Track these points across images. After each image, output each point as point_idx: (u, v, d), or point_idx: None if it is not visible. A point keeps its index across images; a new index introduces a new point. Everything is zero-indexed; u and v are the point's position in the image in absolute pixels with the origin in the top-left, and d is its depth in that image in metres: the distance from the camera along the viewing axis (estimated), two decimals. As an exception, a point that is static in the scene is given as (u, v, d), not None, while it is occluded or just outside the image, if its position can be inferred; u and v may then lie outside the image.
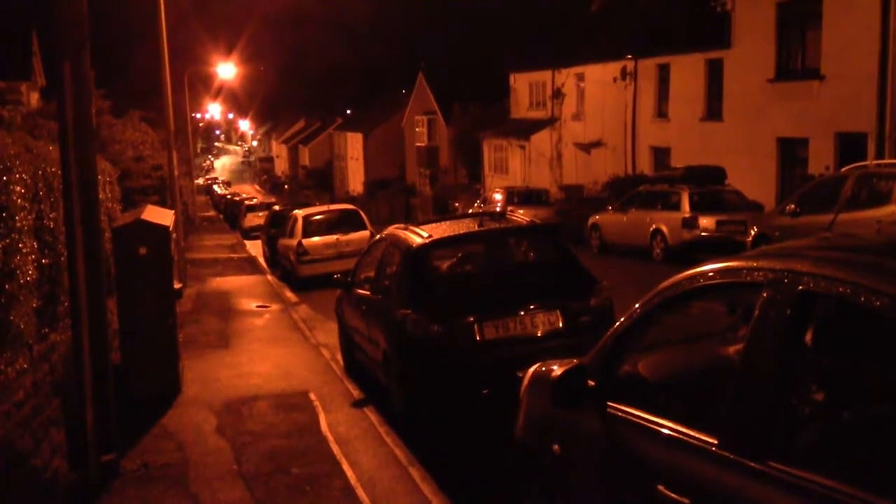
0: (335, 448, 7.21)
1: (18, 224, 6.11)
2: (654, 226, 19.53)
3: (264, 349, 11.92)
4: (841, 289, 2.69)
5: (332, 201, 46.19)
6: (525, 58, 38.39)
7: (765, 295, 3.01)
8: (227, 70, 46.71)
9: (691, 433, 3.22)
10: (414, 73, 52.21)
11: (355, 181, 63.69)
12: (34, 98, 35.08)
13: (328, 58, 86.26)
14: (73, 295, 6.40)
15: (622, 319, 4.00)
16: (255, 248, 30.77)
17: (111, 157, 17.62)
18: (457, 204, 37.27)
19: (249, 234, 37.54)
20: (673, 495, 3.20)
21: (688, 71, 26.75)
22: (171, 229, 9.23)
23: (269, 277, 21.69)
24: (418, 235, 8.20)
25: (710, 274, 3.46)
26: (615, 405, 3.81)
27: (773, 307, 2.95)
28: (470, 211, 29.27)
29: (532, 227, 8.63)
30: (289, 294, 18.37)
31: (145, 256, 8.77)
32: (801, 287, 2.86)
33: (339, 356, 10.87)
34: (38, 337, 6.79)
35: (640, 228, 20.05)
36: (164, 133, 20.16)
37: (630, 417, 3.67)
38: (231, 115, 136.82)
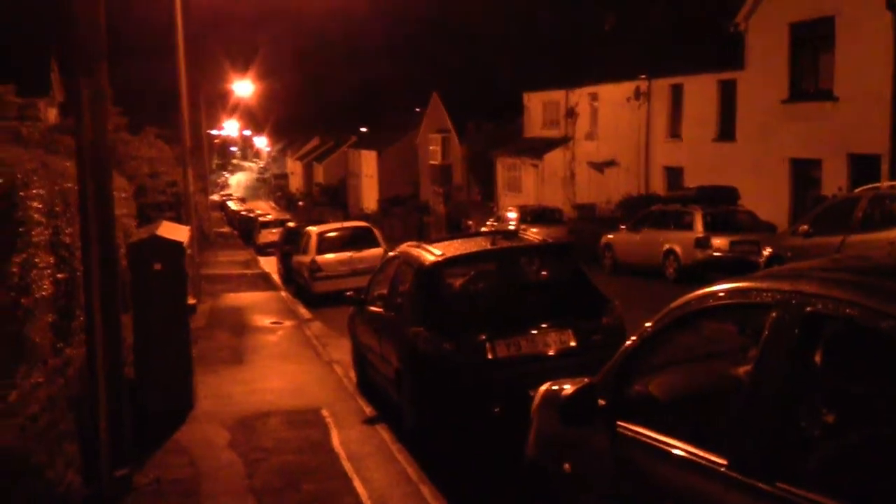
0: (347, 465, 7.23)
1: (35, 239, 6.19)
2: (666, 245, 19.52)
3: (277, 365, 11.96)
4: (848, 310, 2.71)
5: (347, 218, 46.37)
6: (538, 77, 38.53)
7: (773, 316, 3.03)
8: (243, 87, 47.15)
9: (700, 453, 3.23)
10: (428, 91, 52.50)
11: (369, 198, 63.91)
12: (52, 114, 35.46)
13: (344, 76, 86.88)
14: (88, 310, 6.47)
15: (632, 339, 4.02)
16: (268, 264, 30.87)
17: (127, 173, 17.80)
18: (470, 222, 37.33)
19: (264, 250, 37.69)
20: (681, 514, 3.22)
21: (701, 91, 26.81)
22: (185, 245, 9.29)
23: (283, 293, 21.76)
24: (431, 253, 8.24)
25: (720, 294, 3.48)
26: (625, 424, 3.83)
27: (781, 328, 2.97)
28: (483, 229, 29.35)
29: (544, 246, 8.67)
30: (302, 310, 18.41)
31: (160, 272, 8.84)
32: (808, 308, 2.88)
33: (351, 373, 10.89)
34: (54, 351, 6.85)
35: (652, 248, 20.04)
36: (179, 149, 20.34)
37: (640, 437, 3.68)
38: (247, 132, 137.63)
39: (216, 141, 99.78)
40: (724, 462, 3.07)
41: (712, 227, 18.75)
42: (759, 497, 2.85)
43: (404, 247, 9.28)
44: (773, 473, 2.83)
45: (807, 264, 3.42)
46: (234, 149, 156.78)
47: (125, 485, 6.63)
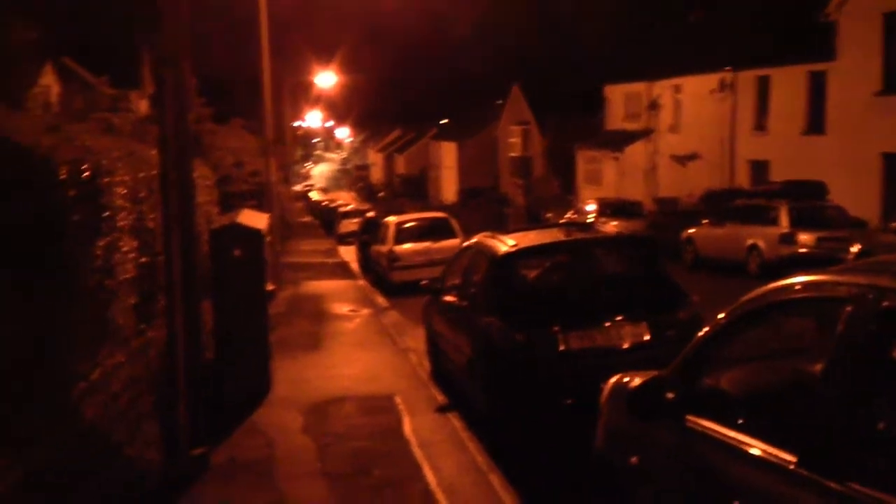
0: (417, 452, 7.28)
1: (119, 224, 6.38)
2: (750, 241, 19.07)
3: (353, 352, 12.11)
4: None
5: (426, 209, 46.64)
6: (621, 69, 38.00)
7: (848, 310, 2.93)
8: (325, 79, 47.73)
9: (769, 450, 3.15)
10: (509, 84, 52.29)
11: (449, 190, 64.05)
12: (143, 105, 36.55)
13: (425, 68, 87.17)
14: (169, 293, 6.67)
15: (703, 332, 3.94)
16: (348, 253, 31.27)
17: (212, 162, 18.19)
18: (549, 214, 37.06)
19: (344, 239, 38.14)
20: (749, 511, 3.14)
21: (789, 83, 26.08)
22: (264, 233, 9.47)
23: (361, 282, 22.02)
24: (504, 244, 8.21)
25: (795, 287, 3.39)
26: (694, 419, 3.75)
27: (856, 323, 2.87)
28: (561, 221, 29.11)
29: (620, 238, 8.57)
30: (380, 299, 18.60)
31: (239, 258, 9.03)
32: (885, 303, 2.78)
33: (426, 362, 10.95)
34: (136, 333, 7.06)
35: (735, 243, 19.60)
36: (263, 140, 20.74)
37: (708, 432, 3.61)
38: (330, 124, 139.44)
39: (299, 132, 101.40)
40: (793, 459, 2.99)
41: (798, 223, 18.24)
42: (828, 496, 2.76)
43: (479, 237, 9.28)
44: (844, 472, 2.73)
45: (888, 258, 3.30)
46: (316, 140, 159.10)
47: (202, 463, 6.81)
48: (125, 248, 6.48)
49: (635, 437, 4.32)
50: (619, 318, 7.44)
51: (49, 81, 32.84)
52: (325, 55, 56.35)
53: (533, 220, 38.45)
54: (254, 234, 9.20)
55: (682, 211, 28.97)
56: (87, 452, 5.39)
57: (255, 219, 9.88)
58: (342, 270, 25.63)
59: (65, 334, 5.18)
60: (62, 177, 5.19)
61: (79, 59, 37.40)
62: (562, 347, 7.27)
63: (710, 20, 33.74)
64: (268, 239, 10.13)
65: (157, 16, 6.63)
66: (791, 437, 3.07)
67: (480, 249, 8.71)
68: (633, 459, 4.30)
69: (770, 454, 3.13)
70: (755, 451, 3.22)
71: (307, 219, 60.77)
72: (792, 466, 2.98)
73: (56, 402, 5.03)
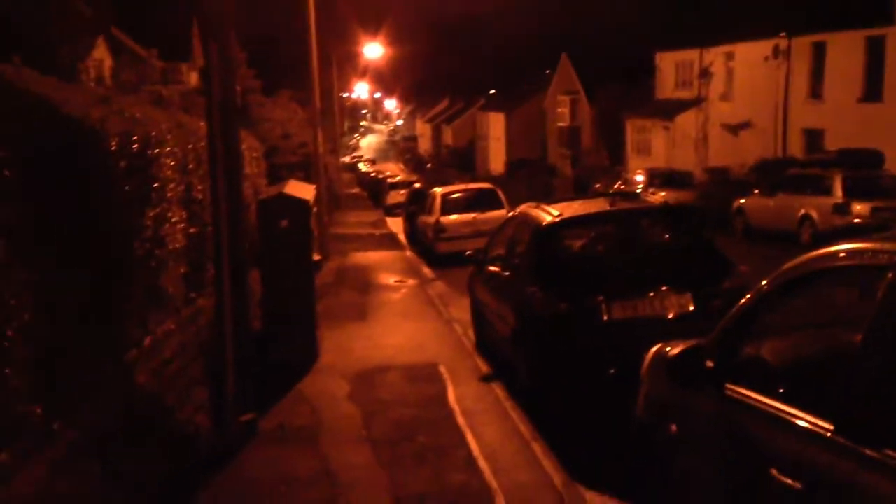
0: (461, 420, 7.36)
1: (169, 195, 6.52)
2: (802, 211, 18.75)
3: (399, 322, 12.23)
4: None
5: (474, 180, 46.57)
6: (672, 36, 37.34)
7: (889, 277, 2.90)
8: (373, 50, 47.77)
9: (808, 417, 3.14)
10: (557, 52, 51.75)
11: (497, 161, 63.84)
12: (194, 77, 36.95)
13: (473, 38, 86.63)
14: (217, 263, 6.78)
15: (744, 300, 3.92)
16: (396, 224, 31.42)
17: (260, 134, 18.43)
18: (597, 185, 36.75)
19: (392, 210, 38.31)
20: (786, 479, 3.14)
21: (846, 49, 25.39)
22: (311, 203, 9.57)
23: (408, 253, 22.13)
24: (548, 213, 8.20)
25: (838, 255, 3.35)
26: (733, 387, 3.75)
27: (895, 290, 2.84)
28: (611, 192, 28.88)
29: (665, 208, 8.49)
30: (426, 270, 18.70)
31: (286, 229, 9.15)
32: (927, 269, 2.74)
33: (470, 332, 11.00)
34: (186, 301, 7.24)
35: (787, 213, 19.28)
36: (310, 112, 20.87)
37: (746, 400, 3.60)
38: (378, 95, 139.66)
39: (348, 104, 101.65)
40: (830, 427, 2.98)
41: (853, 193, 17.86)
42: (863, 463, 2.76)
43: (523, 207, 9.27)
44: (880, 439, 2.72)
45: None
46: (364, 111, 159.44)
47: (250, 429, 6.97)
48: (174, 219, 6.64)
49: (675, 405, 4.33)
50: (663, 288, 7.39)
51: (102, 55, 33.35)
52: (372, 26, 56.31)
53: (581, 191, 38.20)
54: (300, 204, 9.30)
55: (733, 181, 28.54)
56: (139, 416, 5.57)
57: (302, 189, 9.99)
58: (389, 241, 25.77)
59: (115, 302, 5.33)
60: (112, 148, 5.32)
61: (130, 32, 37.90)
62: (605, 317, 7.27)
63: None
64: (314, 210, 10.23)
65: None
66: (829, 405, 3.05)
67: (525, 220, 8.71)
68: (673, 427, 4.31)
69: (808, 422, 3.12)
70: (793, 419, 3.22)
71: (355, 190, 61.12)
72: (829, 434, 2.97)
73: (108, 367, 5.19)
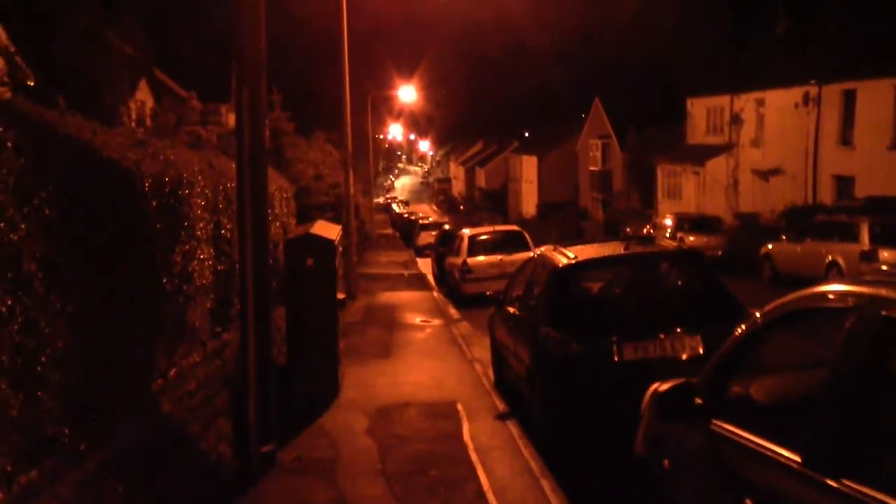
0: (473, 455, 7.57)
1: (198, 233, 6.86)
2: (829, 257, 18.76)
3: (421, 361, 12.46)
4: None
5: (505, 223, 46.89)
6: (703, 82, 37.62)
7: (851, 319, 3.11)
8: (407, 93, 48.53)
9: (780, 451, 3.34)
10: (590, 97, 52.22)
11: (529, 203, 64.19)
12: (232, 118, 37.82)
13: (508, 82, 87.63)
14: (242, 299, 7.11)
15: (730, 340, 4.14)
16: (425, 265, 31.74)
17: (293, 174, 18.87)
18: (628, 229, 36.91)
19: (422, 251, 38.69)
20: (757, 509, 3.34)
21: (876, 97, 25.48)
22: (336, 243, 9.89)
23: (436, 294, 22.41)
24: (565, 256, 8.44)
25: (811, 297, 3.57)
26: (719, 423, 3.95)
27: (858, 332, 3.05)
28: (636, 235, 29.02)
29: (677, 253, 8.70)
30: (452, 310, 18.95)
31: (312, 268, 9.47)
32: (884, 312, 2.95)
33: (490, 371, 11.22)
34: (212, 335, 7.54)
35: (814, 259, 19.30)
36: (343, 153, 21.34)
37: (729, 434, 3.80)
38: (412, 137, 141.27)
39: (386, 146, 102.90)
40: (798, 459, 3.18)
41: (881, 240, 17.86)
42: (825, 493, 2.95)
43: (542, 249, 9.53)
44: (842, 471, 2.91)
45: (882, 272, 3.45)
46: (399, 153, 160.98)
47: (270, 460, 7.22)
48: (202, 256, 6.96)
49: (668, 440, 4.53)
50: (674, 330, 7.59)
51: (144, 96, 34.30)
52: (408, 69, 57.32)
53: (611, 235, 38.35)
54: (326, 244, 9.63)
55: (762, 226, 28.58)
56: (163, 443, 5.85)
57: (328, 230, 10.32)
58: (418, 282, 26.08)
59: (143, 334, 5.64)
60: (145, 188, 5.67)
61: (172, 74, 38.93)
62: (616, 358, 7.46)
63: (795, 32, 33.19)
64: (339, 249, 10.55)
65: (236, 36, 7.11)
66: (798, 439, 3.25)
67: (542, 262, 8.96)
68: (666, 462, 4.50)
69: (780, 455, 3.32)
70: (767, 453, 3.41)
71: (388, 231, 61.70)
72: (796, 466, 3.17)
73: (135, 394, 5.49)
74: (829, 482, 2.95)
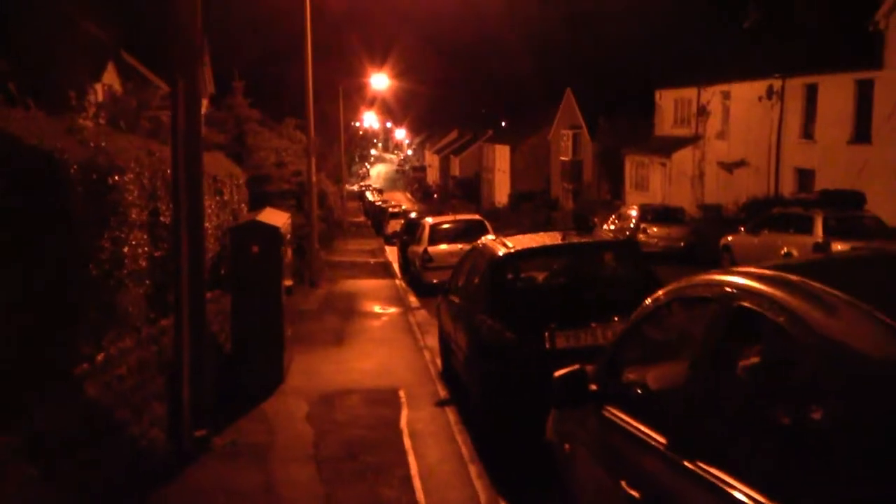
0: (407, 441, 7.68)
1: (131, 220, 6.90)
2: (785, 249, 19.01)
3: (372, 349, 12.55)
4: (763, 305, 2.89)
5: (478, 212, 46.99)
6: (672, 74, 37.87)
7: (711, 309, 3.24)
8: (379, 81, 48.42)
9: (653, 434, 3.46)
10: (564, 87, 52.37)
11: (501, 192, 64.35)
12: (204, 104, 37.56)
13: (482, 71, 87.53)
14: (176, 285, 7.14)
15: (622, 329, 4.26)
16: (394, 253, 31.78)
17: (255, 162, 18.85)
18: (595, 219, 37.09)
19: (391, 239, 38.75)
20: (629, 490, 3.47)
21: (836, 91, 25.80)
22: (283, 230, 9.93)
23: (398, 282, 22.48)
24: (503, 246, 8.55)
25: (690, 286, 3.69)
26: (611, 409, 4.08)
27: (716, 321, 3.18)
28: (605, 226, 29.23)
29: (612, 243, 8.85)
30: (412, 298, 19.03)
31: (257, 254, 9.52)
32: (737, 303, 3.07)
33: (438, 359, 11.32)
34: (148, 321, 7.59)
35: (770, 251, 19.54)
36: (305, 140, 21.30)
37: (616, 420, 3.93)
38: (389, 125, 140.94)
39: (361, 133, 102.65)
40: (664, 441, 3.31)
41: (834, 232, 18.13)
42: (681, 473, 3.07)
43: (483, 239, 9.64)
44: (696, 453, 3.04)
45: (773, 262, 3.57)
46: (375, 141, 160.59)
47: (203, 444, 7.29)
48: (135, 242, 7.00)
49: (569, 427, 4.66)
50: (606, 318, 7.71)
51: (111, 79, 33.99)
52: (381, 57, 57.13)
53: (582, 224, 38.49)
54: (271, 231, 9.67)
55: (725, 218, 28.89)
56: (88, 426, 5.90)
57: (275, 217, 10.36)
58: (383, 270, 26.14)
59: (66, 319, 5.69)
60: (69, 175, 5.71)
61: (141, 57, 38.51)
62: (548, 346, 7.59)
63: (762, 26, 33.46)
64: (287, 237, 10.59)
65: (171, 28, 7.14)
66: (666, 423, 3.38)
67: (482, 251, 9.07)
68: (567, 446, 4.63)
69: (651, 438, 3.44)
70: (642, 437, 3.54)
71: (360, 219, 61.63)
72: (663, 448, 3.30)
73: (54, 379, 5.55)
74: (686, 464, 3.08)
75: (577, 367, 4.33)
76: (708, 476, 2.91)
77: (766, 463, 2.76)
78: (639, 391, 3.97)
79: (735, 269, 3.46)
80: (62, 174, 5.63)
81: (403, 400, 9.19)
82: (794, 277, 2.91)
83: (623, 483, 3.55)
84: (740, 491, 2.68)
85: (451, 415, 8.56)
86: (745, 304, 3.01)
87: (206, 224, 9.67)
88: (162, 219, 7.86)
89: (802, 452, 2.65)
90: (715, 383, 3.12)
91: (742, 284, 3.13)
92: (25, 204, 5.08)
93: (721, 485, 2.80)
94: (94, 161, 6.17)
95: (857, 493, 2.18)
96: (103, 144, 6.56)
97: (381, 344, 12.94)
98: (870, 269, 3.38)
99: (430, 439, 7.76)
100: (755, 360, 3.06)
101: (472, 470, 6.87)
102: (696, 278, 3.65)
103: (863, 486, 2.17)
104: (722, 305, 3.18)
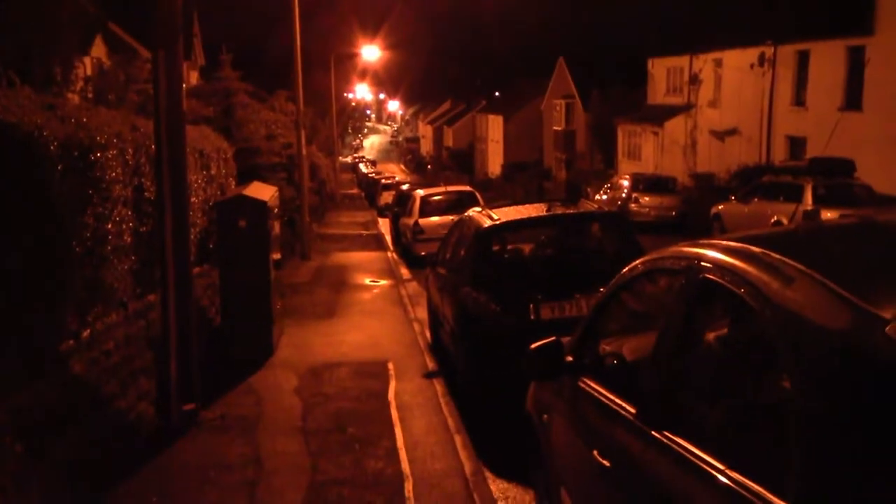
0: (394, 413, 7.76)
1: (114, 195, 6.90)
2: (775, 217, 19.07)
3: (363, 321, 12.61)
4: (726, 277, 2.93)
5: (472, 182, 46.91)
6: (664, 43, 37.68)
7: (679, 281, 3.27)
8: (371, 52, 48.11)
9: (623, 405, 3.51)
10: (557, 56, 52.11)
11: (495, 163, 64.23)
12: (194, 76, 37.31)
13: (476, 41, 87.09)
14: (161, 261, 7.18)
15: (596, 301, 4.30)
16: (386, 225, 31.77)
17: (245, 135, 18.75)
18: (588, 189, 37.12)
19: (383, 211, 38.65)
20: (600, 459, 3.53)
21: (828, 58, 25.70)
22: (270, 204, 9.94)
23: (390, 254, 22.50)
24: (489, 218, 8.58)
25: (661, 258, 3.72)
26: (585, 380, 4.12)
27: (682, 293, 3.22)
28: (597, 196, 29.23)
29: (597, 214, 8.87)
30: (403, 270, 19.09)
31: (244, 228, 9.55)
32: (702, 275, 3.11)
33: (427, 331, 11.39)
34: (135, 296, 7.62)
35: (760, 220, 19.60)
36: (307, 112, 21.20)
37: (590, 391, 3.98)
38: (382, 96, 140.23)
39: (354, 104, 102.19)
40: (633, 412, 3.36)
41: (824, 200, 18.17)
42: (648, 443, 3.13)
43: (470, 211, 9.65)
44: (661, 423, 3.09)
45: (742, 234, 3.60)
46: (369, 112, 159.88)
47: (192, 418, 7.36)
48: (118, 218, 7.01)
49: (547, 398, 4.71)
50: (590, 289, 7.75)
51: (100, 52, 33.75)
52: (374, 27, 56.77)
53: (573, 194, 38.52)
54: (258, 205, 9.69)
55: (716, 187, 28.90)
56: (74, 401, 5.95)
57: (262, 191, 10.37)
58: (375, 242, 26.15)
59: (49, 296, 5.71)
60: (48, 151, 5.70)
61: (130, 28, 38.16)
62: (532, 318, 7.64)
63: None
64: (275, 210, 10.61)
65: (152, 3, 7.10)
66: (635, 394, 3.43)
67: (468, 224, 9.09)
68: (545, 417, 4.69)
69: (622, 408, 3.50)
70: (614, 407, 3.59)
71: (354, 191, 61.47)
72: (631, 418, 3.35)
73: (41, 354, 5.58)
74: (654, 434, 3.13)
75: (552, 338, 4.36)
76: (674, 446, 2.96)
77: (729, 433, 2.82)
78: (612, 362, 4.01)
79: (703, 241, 3.49)
80: (42, 151, 5.62)
81: (392, 372, 9.26)
82: (756, 249, 2.93)
83: (595, 452, 3.61)
84: (705, 461, 2.73)
85: (438, 386, 8.63)
86: (710, 276, 3.05)
87: (193, 199, 9.72)
88: (147, 195, 7.86)
89: (763, 423, 2.70)
90: (681, 354, 3.16)
91: (707, 256, 3.16)
92: (3, 184, 5.08)
93: (687, 454, 2.85)
94: (74, 137, 6.16)
95: (814, 460, 2.23)
96: (84, 120, 6.54)
97: (371, 316, 12.99)
98: (837, 240, 3.41)
99: (417, 411, 7.83)
100: (722, 332, 3.10)
101: (458, 440, 6.95)
102: (667, 250, 3.68)
103: (818, 454, 2.22)
104: (688, 277, 3.21)
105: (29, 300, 5.38)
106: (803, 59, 27.23)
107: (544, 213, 8.61)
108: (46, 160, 5.67)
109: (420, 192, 21.23)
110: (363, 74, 73.77)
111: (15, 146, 5.29)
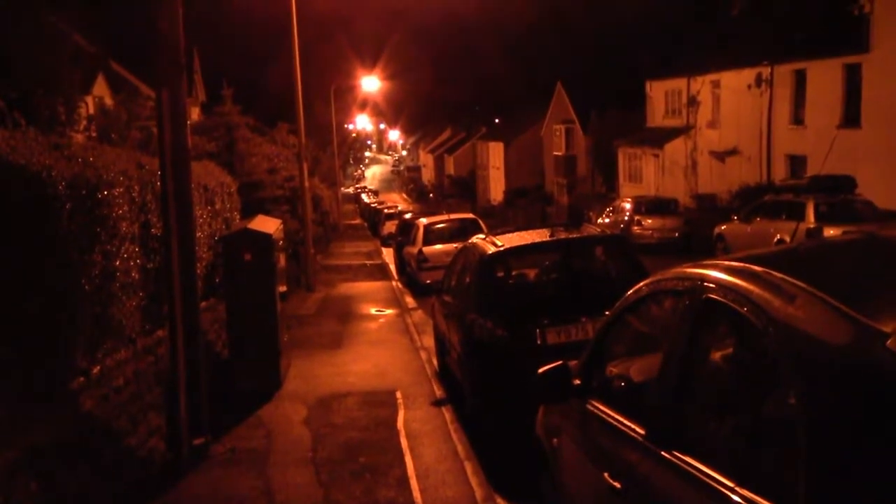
0: (404, 442, 7.77)
1: (122, 233, 6.98)
2: (778, 236, 19.10)
3: (369, 350, 12.63)
4: (729, 297, 2.97)
5: (474, 209, 47.05)
6: (661, 65, 37.95)
7: (685, 302, 3.32)
8: (370, 83, 48.50)
9: (632, 426, 3.55)
10: (555, 82, 52.41)
11: (496, 189, 64.42)
12: (195, 112, 37.63)
13: (474, 68, 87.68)
14: (169, 296, 7.23)
15: (602, 323, 4.34)
16: (390, 254, 31.82)
17: (247, 169, 18.89)
18: (591, 213, 37.21)
19: (387, 241, 38.76)
20: (611, 481, 3.55)
21: (825, 76, 25.88)
22: (274, 237, 10.01)
23: (395, 284, 22.55)
24: (493, 245, 8.64)
25: (663, 280, 3.77)
26: (594, 402, 4.16)
27: (686, 313, 3.26)
28: (600, 220, 29.30)
29: (600, 237, 8.92)
30: (409, 299, 19.12)
31: (250, 262, 9.61)
32: (705, 295, 3.15)
33: (434, 359, 11.41)
34: (143, 332, 7.67)
35: (763, 239, 19.63)
36: (308, 144, 21.32)
37: (599, 413, 4.01)
38: (382, 126, 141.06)
39: (354, 135, 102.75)
40: (642, 432, 3.39)
41: (825, 218, 18.20)
42: (657, 462, 3.16)
43: (473, 238, 9.72)
44: (670, 443, 3.13)
45: (744, 253, 3.65)
46: (369, 142, 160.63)
47: (202, 452, 7.38)
48: (126, 255, 7.08)
49: (556, 421, 4.74)
50: (596, 313, 7.79)
51: (101, 91, 34.05)
52: (372, 59, 57.23)
53: (575, 219, 38.60)
54: (263, 238, 9.75)
55: (719, 207, 28.98)
56: (85, 438, 5.98)
57: (267, 224, 10.44)
58: (380, 272, 26.20)
59: (59, 334, 5.76)
60: (57, 191, 5.78)
61: (131, 67, 38.51)
62: (539, 342, 7.67)
63: (749, 14, 33.54)
64: (280, 243, 10.67)
65: (154, 39, 7.21)
66: (644, 414, 3.47)
67: (472, 251, 9.15)
68: (555, 441, 4.72)
69: (631, 429, 3.53)
70: (623, 429, 3.62)
71: (357, 221, 61.68)
72: (641, 439, 3.38)
73: (53, 392, 5.63)
74: (663, 454, 3.16)
75: (560, 362, 4.41)
76: (684, 465, 3.00)
77: (737, 451, 2.85)
78: (619, 384, 4.04)
79: (705, 261, 3.53)
80: (49, 191, 5.70)
81: (400, 401, 9.27)
82: (757, 268, 2.98)
83: (605, 475, 3.63)
84: (715, 480, 2.76)
85: (447, 414, 8.64)
86: (713, 296, 3.09)
87: (199, 233, 9.79)
88: (153, 231, 7.93)
89: (770, 440, 2.74)
90: (688, 374, 3.20)
91: (709, 276, 3.21)
92: (14, 226, 5.15)
93: (697, 474, 2.88)
94: (82, 176, 6.24)
95: (819, 473, 2.26)
96: (91, 159, 6.63)
97: (378, 346, 13.02)
98: (838, 256, 3.46)
99: (426, 439, 7.84)
100: (727, 351, 3.14)
101: (468, 467, 6.96)
102: (670, 272, 3.73)
103: (823, 467, 2.25)
104: (692, 298, 3.26)
105: (39, 338, 5.43)
106: (800, 78, 27.41)
107: (547, 239, 8.66)
108: (55, 200, 5.74)
109: (423, 221, 21.32)
110: (363, 105, 74.32)
111: (24, 187, 5.36)
